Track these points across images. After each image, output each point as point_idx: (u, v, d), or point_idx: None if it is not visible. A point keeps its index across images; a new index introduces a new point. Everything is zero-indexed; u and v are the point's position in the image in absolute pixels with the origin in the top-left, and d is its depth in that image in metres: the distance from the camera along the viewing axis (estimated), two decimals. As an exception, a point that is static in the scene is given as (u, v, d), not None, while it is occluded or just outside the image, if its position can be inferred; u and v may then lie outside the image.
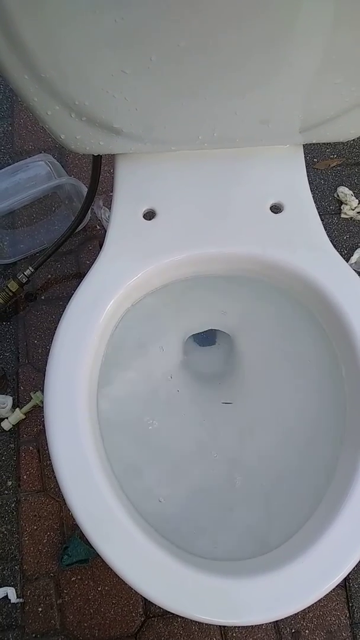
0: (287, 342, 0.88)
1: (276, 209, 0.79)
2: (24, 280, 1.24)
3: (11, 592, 1.11)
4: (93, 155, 0.89)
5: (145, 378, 0.90)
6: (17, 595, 1.11)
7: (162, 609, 0.62)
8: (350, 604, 1.12)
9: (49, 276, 1.34)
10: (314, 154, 1.46)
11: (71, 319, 0.71)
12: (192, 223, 0.77)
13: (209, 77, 0.64)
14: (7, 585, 1.12)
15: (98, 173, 0.95)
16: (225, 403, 0.92)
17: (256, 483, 0.83)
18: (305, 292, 0.76)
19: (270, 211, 0.79)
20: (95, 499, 0.63)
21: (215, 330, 1.01)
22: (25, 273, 1.24)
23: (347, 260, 1.35)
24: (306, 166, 0.82)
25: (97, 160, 0.92)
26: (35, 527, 1.16)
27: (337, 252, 0.76)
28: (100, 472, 0.64)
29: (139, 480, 0.79)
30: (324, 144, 1.46)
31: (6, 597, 1.11)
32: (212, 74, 0.64)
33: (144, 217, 0.78)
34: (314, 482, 0.73)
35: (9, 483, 1.19)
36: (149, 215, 0.78)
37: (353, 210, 1.40)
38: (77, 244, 1.37)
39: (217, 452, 0.88)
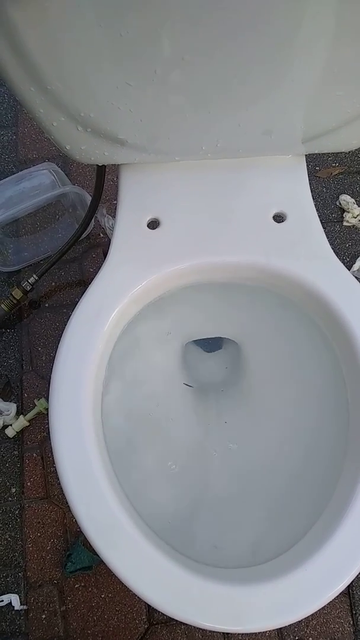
0: (290, 350, 0.88)
1: (279, 218, 0.80)
2: (28, 288, 1.25)
3: (15, 599, 1.11)
4: (97, 164, 0.90)
5: (147, 382, 0.91)
6: (20, 602, 1.12)
7: (166, 615, 0.62)
8: (354, 612, 1.12)
9: (53, 284, 1.35)
10: (316, 162, 1.47)
11: (76, 328, 0.72)
12: (196, 232, 0.78)
13: (212, 90, 0.65)
14: (10, 592, 1.13)
15: (102, 182, 0.96)
16: (187, 385, 0.92)
17: (258, 490, 0.84)
18: (308, 301, 0.77)
19: (273, 220, 0.80)
20: (99, 506, 0.63)
21: (221, 337, 1.02)
22: (29, 281, 1.25)
23: (349, 268, 1.36)
24: (308, 175, 0.83)
25: (101, 169, 0.93)
26: (38, 534, 1.16)
27: (339, 261, 0.77)
28: (104, 478, 0.65)
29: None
30: (326, 152, 1.47)
31: (10, 604, 1.11)
32: (216, 87, 0.65)
33: (148, 226, 0.79)
34: (318, 489, 0.74)
35: (13, 490, 1.19)
36: (153, 224, 0.79)
37: (355, 218, 1.41)
38: (80, 251, 1.38)
39: (220, 458, 0.89)
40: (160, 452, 0.87)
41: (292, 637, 1.10)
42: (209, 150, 0.76)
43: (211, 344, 1.05)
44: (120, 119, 0.68)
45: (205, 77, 0.63)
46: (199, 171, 0.81)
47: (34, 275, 1.25)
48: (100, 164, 0.79)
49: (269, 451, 0.87)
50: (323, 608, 0.86)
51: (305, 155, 0.83)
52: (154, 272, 0.76)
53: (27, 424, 1.22)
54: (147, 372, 0.92)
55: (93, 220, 1.29)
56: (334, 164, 1.47)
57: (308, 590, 0.60)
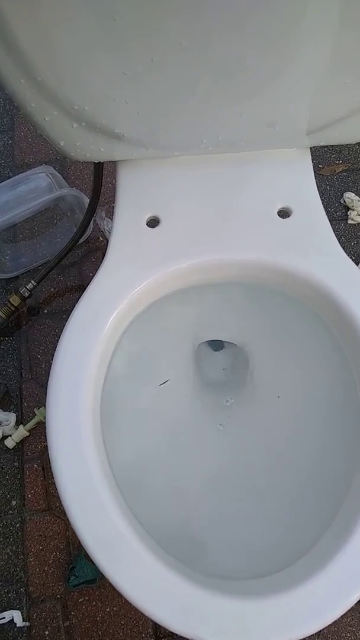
0: (298, 351, 0.85)
1: (284, 213, 0.77)
2: (26, 294, 1.22)
3: (17, 616, 1.07)
4: (94, 163, 0.87)
5: (152, 387, 0.88)
6: (22, 618, 1.08)
7: (173, 630, 0.59)
8: (368, 622, 1.08)
9: (52, 289, 1.32)
10: (319, 160, 1.43)
11: (73, 332, 0.68)
12: (198, 230, 0.75)
13: (213, 78, 0.62)
14: (12, 609, 1.09)
15: (100, 183, 0.93)
16: (162, 383, 0.89)
17: (267, 500, 0.80)
18: (317, 299, 0.74)
19: (278, 216, 0.76)
20: (101, 519, 0.60)
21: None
22: (27, 287, 1.22)
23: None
24: (313, 170, 0.80)
25: (98, 169, 0.90)
26: (40, 548, 1.12)
27: (348, 257, 0.74)
28: (105, 490, 0.61)
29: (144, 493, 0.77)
30: (329, 149, 1.44)
31: (12, 620, 1.07)
32: (217, 75, 0.62)
33: (147, 224, 0.75)
34: (327, 497, 0.70)
35: (14, 502, 1.16)
36: (153, 222, 0.76)
37: (360, 215, 1.38)
38: (79, 256, 1.35)
39: (227, 466, 0.85)
40: (165, 462, 0.84)
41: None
42: (209, 144, 0.73)
43: (216, 343, 1.01)
44: (115, 111, 0.64)
45: (205, 64, 0.60)
46: (200, 167, 0.78)
47: (32, 281, 1.21)
48: (96, 161, 0.75)
49: (277, 460, 0.83)
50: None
51: (310, 149, 0.80)
52: (155, 271, 0.72)
53: (27, 434, 1.19)
54: (151, 376, 0.89)
55: (92, 223, 1.26)
56: (337, 161, 1.44)
57: (321, 603, 0.57)
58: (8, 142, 1.46)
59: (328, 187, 1.40)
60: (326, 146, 1.47)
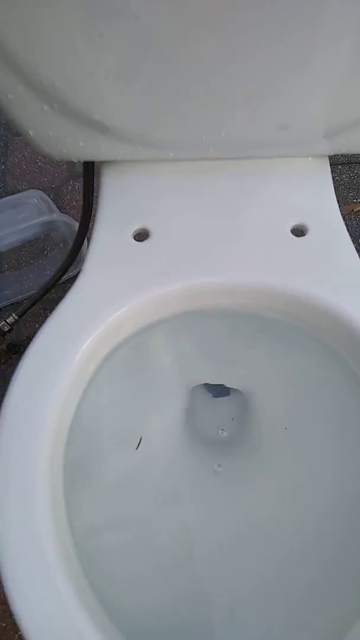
0: (316, 401, 0.71)
1: (298, 231, 0.64)
2: (6, 329, 1.09)
3: None
4: (84, 177, 0.74)
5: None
6: None
7: None
8: None
9: (37, 326, 1.19)
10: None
11: (29, 371, 0.54)
12: (194, 246, 0.62)
13: (217, 64, 0.50)
14: None
15: (90, 197, 0.80)
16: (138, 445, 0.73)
17: (282, 585, 0.64)
18: (338, 335, 0.60)
19: (291, 234, 0.64)
20: (54, 610, 0.45)
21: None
22: (7, 321, 1.09)
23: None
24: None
25: (88, 176, 0.76)
26: None
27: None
28: (63, 575, 0.46)
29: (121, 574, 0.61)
30: (346, 187, 1.33)
31: None
32: (223, 60, 0.50)
33: (134, 237, 0.63)
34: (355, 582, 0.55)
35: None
36: (141, 235, 0.63)
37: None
38: (68, 289, 1.22)
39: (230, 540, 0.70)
40: (144, 533, 0.68)
41: None
42: (211, 143, 0.61)
43: (217, 389, 0.85)
44: (93, 89, 0.52)
45: (206, 33, 0.48)
46: (199, 175, 0.66)
47: (14, 315, 1.09)
48: (76, 160, 0.63)
49: (295, 536, 0.67)
50: None
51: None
52: (140, 293, 0.59)
53: None
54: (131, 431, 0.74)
55: (82, 250, 1.14)
56: (355, 200, 1.32)
57: None
58: (0, 167, 1.36)
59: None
60: (343, 184, 1.36)
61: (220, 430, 0.82)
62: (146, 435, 0.73)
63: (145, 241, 0.62)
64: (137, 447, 0.71)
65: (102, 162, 0.66)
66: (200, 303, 0.63)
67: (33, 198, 1.14)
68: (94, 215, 0.65)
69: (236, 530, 0.69)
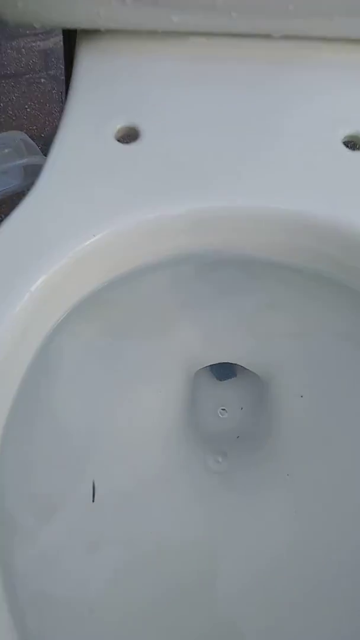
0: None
1: (353, 144, 0.45)
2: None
3: None
4: (64, 56, 0.55)
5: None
6: None
7: None
8: None
9: None
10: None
11: None
12: (204, 155, 0.42)
13: None
14: None
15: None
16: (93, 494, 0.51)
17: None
18: None
19: (343, 146, 0.44)
20: None
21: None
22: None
23: None
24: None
25: (70, 61, 0.55)
26: None
27: None
28: None
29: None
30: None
31: None
32: None
33: (117, 138, 0.43)
34: None
35: None
36: (127, 135, 0.43)
37: None
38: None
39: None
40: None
41: None
42: (234, 2, 0.41)
43: (222, 369, 0.64)
44: None
45: None
46: (215, 59, 0.46)
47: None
48: (45, 26, 0.44)
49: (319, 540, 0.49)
50: None
51: None
52: (121, 215, 0.40)
53: None
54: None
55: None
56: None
57: None
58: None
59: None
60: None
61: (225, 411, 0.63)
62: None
63: (133, 143, 0.42)
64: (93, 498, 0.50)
65: (81, 39, 0.47)
66: (210, 240, 0.43)
67: (16, 140, 0.95)
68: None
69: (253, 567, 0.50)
